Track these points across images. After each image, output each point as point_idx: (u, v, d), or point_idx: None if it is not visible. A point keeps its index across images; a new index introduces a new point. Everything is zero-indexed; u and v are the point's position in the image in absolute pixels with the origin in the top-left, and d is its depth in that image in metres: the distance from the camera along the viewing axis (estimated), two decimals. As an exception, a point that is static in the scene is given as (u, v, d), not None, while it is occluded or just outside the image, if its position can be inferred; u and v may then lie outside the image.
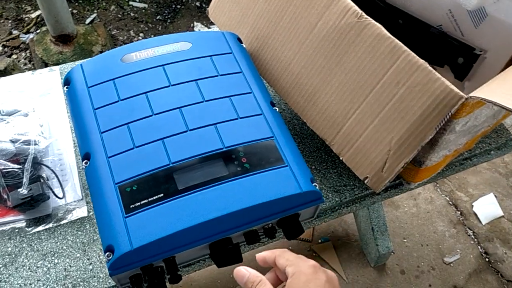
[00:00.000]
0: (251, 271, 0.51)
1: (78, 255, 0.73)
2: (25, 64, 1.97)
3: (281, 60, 0.80)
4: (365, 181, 0.72)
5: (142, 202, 0.61)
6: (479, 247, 1.53)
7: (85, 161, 0.67)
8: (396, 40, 0.67)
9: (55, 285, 0.70)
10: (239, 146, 0.66)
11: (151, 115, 0.68)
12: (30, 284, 0.70)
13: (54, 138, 0.82)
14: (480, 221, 1.58)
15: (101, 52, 1.94)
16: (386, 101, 0.69)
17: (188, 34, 0.79)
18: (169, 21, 2.28)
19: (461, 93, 0.62)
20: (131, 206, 0.61)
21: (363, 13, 0.70)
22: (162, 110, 0.69)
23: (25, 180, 0.74)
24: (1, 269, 0.71)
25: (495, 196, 1.64)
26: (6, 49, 2.02)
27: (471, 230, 1.57)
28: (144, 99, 0.70)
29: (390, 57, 0.68)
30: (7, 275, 0.71)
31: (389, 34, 0.68)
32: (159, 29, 2.23)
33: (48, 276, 0.71)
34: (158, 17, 2.28)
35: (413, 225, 1.52)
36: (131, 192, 0.62)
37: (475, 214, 1.60)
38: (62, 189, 0.79)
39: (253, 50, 0.84)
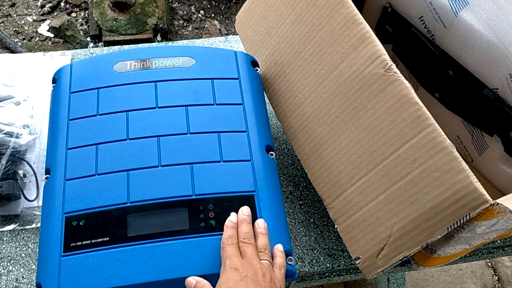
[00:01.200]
0: (198, 278, 0.52)
1: (34, 266, 0.68)
2: (82, 24, 1.97)
3: (295, 96, 0.69)
4: (356, 262, 0.61)
5: (84, 243, 0.54)
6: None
7: (46, 176, 0.60)
8: (424, 109, 0.54)
9: (2, 296, 0.66)
10: (210, 196, 0.57)
11: (125, 139, 0.60)
12: (-22, 288, 0.66)
13: (40, 133, 0.77)
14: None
15: (155, 25, 1.89)
16: (397, 178, 0.56)
17: (196, 48, 0.70)
18: (234, 1, 2.18)
19: (487, 196, 0.49)
20: (72, 245, 0.54)
21: (393, 65, 0.57)
22: (139, 136, 0.61)
23: (-3, 175, 0.70)
24: (-46, 264, 0.68)
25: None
26: (67, 6, 2.02)
27: (506, 300, 1.39)
28: (123, 119, 0.62)
29: (412, 127, 0.55)
30: (-42, 273, 0.67)
31: (417, 99, 0.55)
32: (222, 8, 2.14)
33: (-3, 283, 0.67)
34: (223, -4, 2.19)
35: (439, 280, 1.36)
36: (77, 228, 0.55)
37: (515, 282, 1.41)
38: (38, 190, 0.74)
39: (269, 75, 0.73)
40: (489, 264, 1.43)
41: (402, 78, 0.56)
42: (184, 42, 0.94)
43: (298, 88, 0.68)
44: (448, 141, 0.52)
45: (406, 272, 1.28)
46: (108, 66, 0.66)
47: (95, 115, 0.62)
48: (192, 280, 0.52)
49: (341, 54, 0.63)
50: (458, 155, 0.51)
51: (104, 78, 0.65)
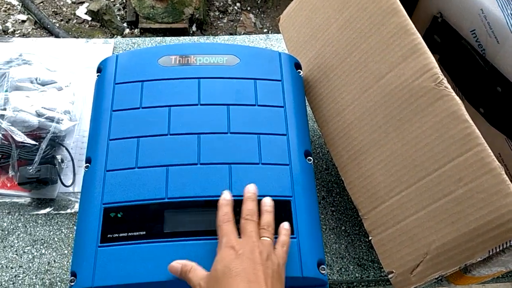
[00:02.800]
0: (182, 261, 0.51)
1: (66, 252, 0.69)
2: (119, 10, 1.98)
3: (337, 102, 0.68)
4: (389, 276, 0.60)
5: (121, 235, 0.54)
6: None
7: (86, 164, 0.61)
8: (474, 127, 0.53)
9: (34, 277, 0.67)
10: (248, 198, 0.57)
11: (166, 134, 0.61)
12: (12, 268, 0.67)
13: (80, 120, 0.78)
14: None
15: (191, 15, 1.89)
16: (439, 196, 0.55)
17: (241, 47, 0.69)
18: (271, -4, 2.17)
19: (534, 224, 0.47)
20: (109, 236, 0.54)
21: (444, 79, 0.56)
22: (180, 132, 0.61)
23: (36, 158, 0.71)
24: (-9, 243, 0.69)
25: None
26: (107, -10, 2.04)
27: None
28: (165, 114, 0.62)
29: (460, 145, 0.53)
30: (-6, 252, 0.69)
31: (467, 116, 0.53)
32: (258, 2, 2.13)
33: (30, 265, 0.68)
34: (261, -11, 2.18)
35: (460, 293, 1.34)
36: (115, 219, 0.55)
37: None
38: (74, 175, 0.75)
39: (311, 79, 0.72)
40: (513, 283, 1.40)
41: (453, 93, 0.55)
42: (225, 38, 0.93)
43: (341, 94, 0.67)
44: (497, 162, 0.51)
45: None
46: (153, 60, 0.66)
47: (138, 108, 0.63)
48: (176, 264, 0.51)
49: (389, 63, 0.61)
50: (507, 178, 0.50)
51: (149, 72, 0.65)
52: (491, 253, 0.51)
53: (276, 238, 0.54)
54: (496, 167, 0.50)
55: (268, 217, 0.54)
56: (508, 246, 0.50)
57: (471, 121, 0.53)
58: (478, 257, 0.52)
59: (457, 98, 0.55)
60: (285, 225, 0.55)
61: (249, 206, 0.54)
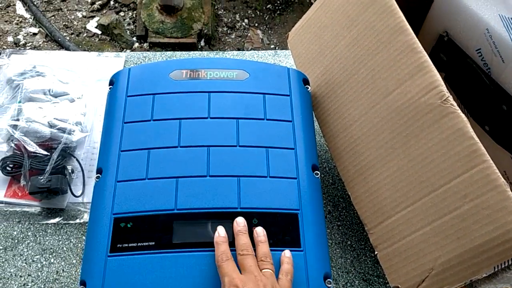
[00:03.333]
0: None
1: (74, 261, 0.70)
2: (129, 24, 2.01)
3: (344, 117, 0.69)
4: (394, 291, 0.60)
5: (130, 245, 0.55)
6: None
7: (97, 175, 0.62)
8: (479, 144, 0.53)
9: (42, 286, 0.68)
10: (256, 210, 0.58)
11: (176, 146, 0.62)
12: (21, 276, 0.68)
13: (91, 131, 0.79)
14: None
15: (200, 31, 1.92)
16: (445, 212, 0.56)
17: (250, 62, 0.71)
18: (278, 12, 2.20)
19: (540, 241, 0.48)
20: (118, 246, 0.55)
21: (450, 97, 0.57)
22: (190, 144, 0.62)
23: (48, 168, 0.72)
24: (1, 251, 0.70)
25: None
26: (116, 5, 2.08)
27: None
28: (176, 126, 0.63)
29: (466, 161, 0.54)
30: (3, 260, 0.69)
31: (473, 133, 0.54)
32: (266, 18, 2.16)
33: (39, 273, 0.69)
34: (268, 6, 2.21)
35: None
36: (124, 229, 0.56)
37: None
38: (84, 186, 0.76)
39: (319, 94, 0.73)
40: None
41: (459, 111, 0.56)
42: (235, 53, 0.95)
43: (348, 110, 0.69)
44: (502, 179, 0.51)
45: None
46: (164, 74, 0.68)
47: (149, 120, 0.64)
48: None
49: (396, 80, 0.63)
50: (512, 195, 0.51)
51: (160, 85, 0.67)
52: (496, 270, 0.52)
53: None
54: (501, 183, 0.51)
55: (263, 248, 0.54)
56: (514, 262, 0.51)
57: (476, 138, 0.54)
58: (483, 273, 0.52)
59: (463, 116, 0.56)
60: (286, 253, 0.55)
61: (242, 241, 0.54)
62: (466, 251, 0.53)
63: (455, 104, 0.57)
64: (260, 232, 0.56)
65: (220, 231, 0.55)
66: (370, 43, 0.66)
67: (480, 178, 0.53)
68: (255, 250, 0.54)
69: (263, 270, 0.51)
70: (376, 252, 0.63)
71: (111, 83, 0.70)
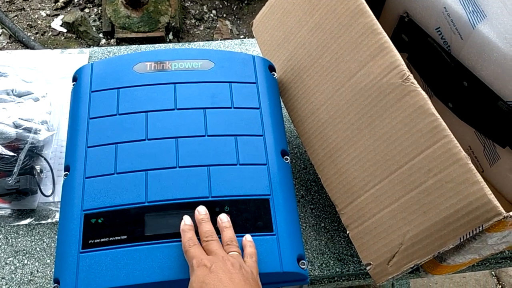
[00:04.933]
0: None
1: (48, 261, 0.69)
2: (94, 20, 1.98)
3: (311, 102, 0.70)
4: (367, 268, 0.62)
5: (102, 240, 0.55)
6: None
7: (65, 173, 0.62)
8: (440, 120, 0.55)
9: (16, 288, 0.67)
10: (227, 198, 0.58)
11: (143, 140, 0.62)
12: (-6, 280, 0.67)
13: (58, 130, 0.78)
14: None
15: (167, 24, 1.90)
16: (411, 187, 0.57)
17: (215, 52, 0.71)
18: (246, 1, 2.19)
19: (500, 209, 0.49)
20: (90, 242, 0.55)
21: (411, 75, 0.58)
22: (157, 136, 0.62)
23: (15, 169, 0.71)
24: (-29, 256, 0.69)
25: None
26: (80, 1, 2.04)
27: (508, 307, 1.39)
28: (143, 119, 0.63)
29: (428, 137, 0.56)
30: (-25, 265, 0.68)
31: (433, 110, 0.56)
32: (234, 8, 2.15)
33: (13, 276, 0.68)
34: (236, -4, 2.20)
35: (443, 287, 1.37)
36: (95, 225, 0.56)
37: (518, 291, 1.42)
38: (54, 185, 0.75)
39: (285, 81, 0.74)
40: (492, 272, 1.44)
41: (419, 88, 0.57)
42: (201, 44, 0.95)
43: (314, 94, 0.69)
44: (464, 152, 0.53)
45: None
46: (128, 67, 0.67)
47: (115, 115, 0.63)
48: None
49: (358, 62, 0.63)
50: (473, 167, 0.52)
51: (124, 79, 0.66)
52: (462, 240, 0.54)
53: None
54: (462, 157, 0.53)
55: (228, 232, 0.55)
56: (478, 232, 0.52)
57: (437, 115, 0.56)
58: (450, 244, 0.54)
59: (423, 93, 0.57)
60: (247, 237, 0.56)
61: (205, 228, 0.54)
62: (432, 224, 0.55)
63: (415, 82, 0.58)
64: (223, 218, 0.56)
65: (186, 220, 0.55)
66: (332, 27, 0.67)
67: (443, 153, 0.54)
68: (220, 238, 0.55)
69: (229, 253, 0.52)
70: (348, 232, 0.64)
71: (75, 79, 0.69)
